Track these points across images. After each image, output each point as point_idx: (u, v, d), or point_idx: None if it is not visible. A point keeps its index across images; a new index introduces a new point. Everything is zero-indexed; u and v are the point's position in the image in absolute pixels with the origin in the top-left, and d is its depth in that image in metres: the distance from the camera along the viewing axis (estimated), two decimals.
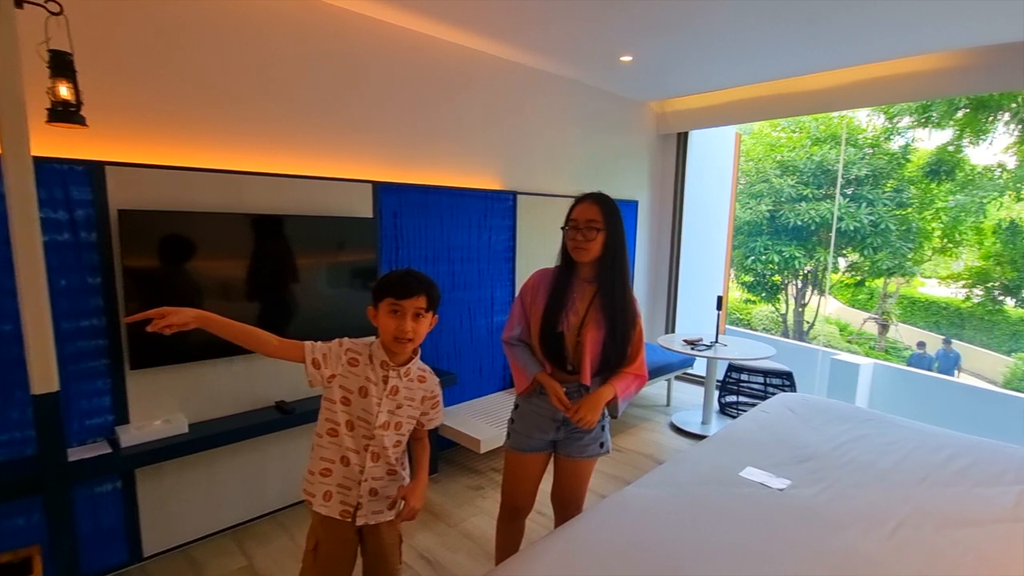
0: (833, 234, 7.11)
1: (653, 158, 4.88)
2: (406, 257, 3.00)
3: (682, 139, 4.88)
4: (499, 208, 3.48)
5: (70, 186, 1.93)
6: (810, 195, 7.26)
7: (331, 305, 2.64)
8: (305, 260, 2.52)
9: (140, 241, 2.05)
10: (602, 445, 1.79)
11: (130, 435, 2.06)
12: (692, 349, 3.72)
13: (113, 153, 2.06)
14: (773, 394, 3.41)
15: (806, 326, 8.08)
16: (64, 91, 1.64)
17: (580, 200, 1.68)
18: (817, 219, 7.06)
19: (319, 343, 1.39)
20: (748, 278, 8.26)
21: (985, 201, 9.20)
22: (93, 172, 1.97)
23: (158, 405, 2.22)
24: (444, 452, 3.25)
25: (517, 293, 1.79)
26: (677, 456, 2.11)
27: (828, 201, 7.20)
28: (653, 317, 5.16)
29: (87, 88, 1.76)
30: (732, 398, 4.20)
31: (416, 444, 1.53)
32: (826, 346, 6.79)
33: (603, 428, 1.79)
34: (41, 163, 1.80)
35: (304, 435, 2.67)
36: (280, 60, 2.47)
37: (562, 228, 1.71)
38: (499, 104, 3.46)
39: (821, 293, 7.77)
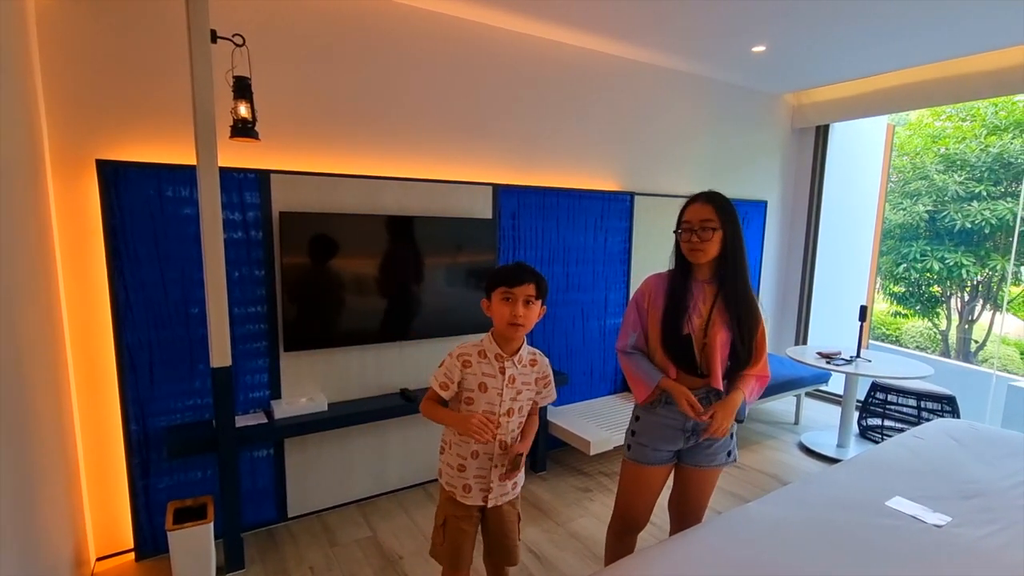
0: (1015, 239, 5.98)
1: (786, 154, 4.51)
2: (523, 257, 3.08)
3: (821, 133, 4.45)
4: (616, 209, 3.44)
5: (244, 192, 2.26)
6: (984, 193, 6.18)
7: (453, 302, 2.79)
8: (430, 259, 2.70)
9: (295, 239, 2.34)
10: (729, 454, 1.72)
11: (282, 408, 2.36)
12: (828, 363, 3.38)
13: (275, 162, 2.37)
14: (929, 420, 2.99)
15: (974, 346, 6.90)
16: (243, 110, 1.93)
17: (691, 201, 1.62)
18: (993, 221, 5.97)
19: (437, 370, 1.55)
20: (899, 288, 7.22)
21: None
22: (261, 179, 2.29)
23: (303, 384, 2.52)
24: (553, 452, 3.28)
25: (630, 300, 1.76)
26: (808, 477, 1.93)
27: (1009, 200, 6.06)
28: (782, 327, 4.76)
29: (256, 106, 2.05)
30: (876, 421, 3.73)
31: (528, 416, 1.62)
32: (1002, 370, 5.76)
33: (732, 436, 1.72)
34: (223, 172, 2.12)
35: (422, 422, 2.85)
36: (410, 74, 2.67)
37: (675, 232, 1.66)
38: (618, 104, 3.42)
39: (996, 308, 6.60)
